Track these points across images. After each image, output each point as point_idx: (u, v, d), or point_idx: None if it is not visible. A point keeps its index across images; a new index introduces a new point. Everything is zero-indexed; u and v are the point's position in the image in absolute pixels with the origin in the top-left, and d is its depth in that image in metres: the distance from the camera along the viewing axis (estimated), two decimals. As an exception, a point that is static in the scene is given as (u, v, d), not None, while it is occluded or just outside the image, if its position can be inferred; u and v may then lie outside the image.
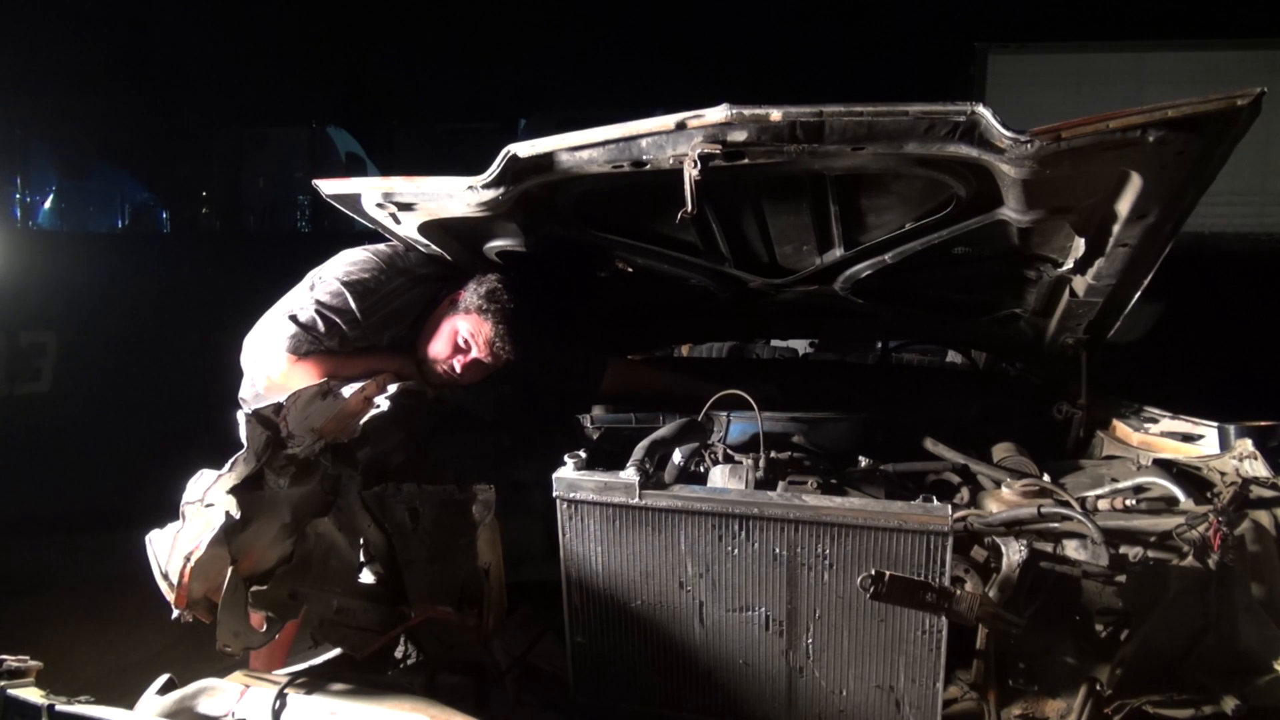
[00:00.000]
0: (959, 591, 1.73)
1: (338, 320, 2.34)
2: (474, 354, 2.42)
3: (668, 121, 1.77)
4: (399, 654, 2.27)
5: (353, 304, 2.36)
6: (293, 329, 2.31)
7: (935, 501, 1.80)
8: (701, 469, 2.11)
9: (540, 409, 2.74)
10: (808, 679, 1.94)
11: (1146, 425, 2.42)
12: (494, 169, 1.98)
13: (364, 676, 1.98)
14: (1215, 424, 2.24)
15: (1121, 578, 1.82)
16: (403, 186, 2.15)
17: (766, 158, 1.81)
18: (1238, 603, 1.82)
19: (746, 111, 1.73)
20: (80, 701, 1.61)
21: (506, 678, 2.28)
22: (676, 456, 2.12)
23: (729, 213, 2.22)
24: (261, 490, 1.91)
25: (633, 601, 2.02)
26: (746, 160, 1.81)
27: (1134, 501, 1.92)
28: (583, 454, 2.03)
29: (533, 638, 2.38)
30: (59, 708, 1.60)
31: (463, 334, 2.42)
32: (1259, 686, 1.80)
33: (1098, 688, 1.82)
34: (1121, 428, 2.46)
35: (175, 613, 1.81)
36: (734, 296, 2.62)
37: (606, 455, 2.14)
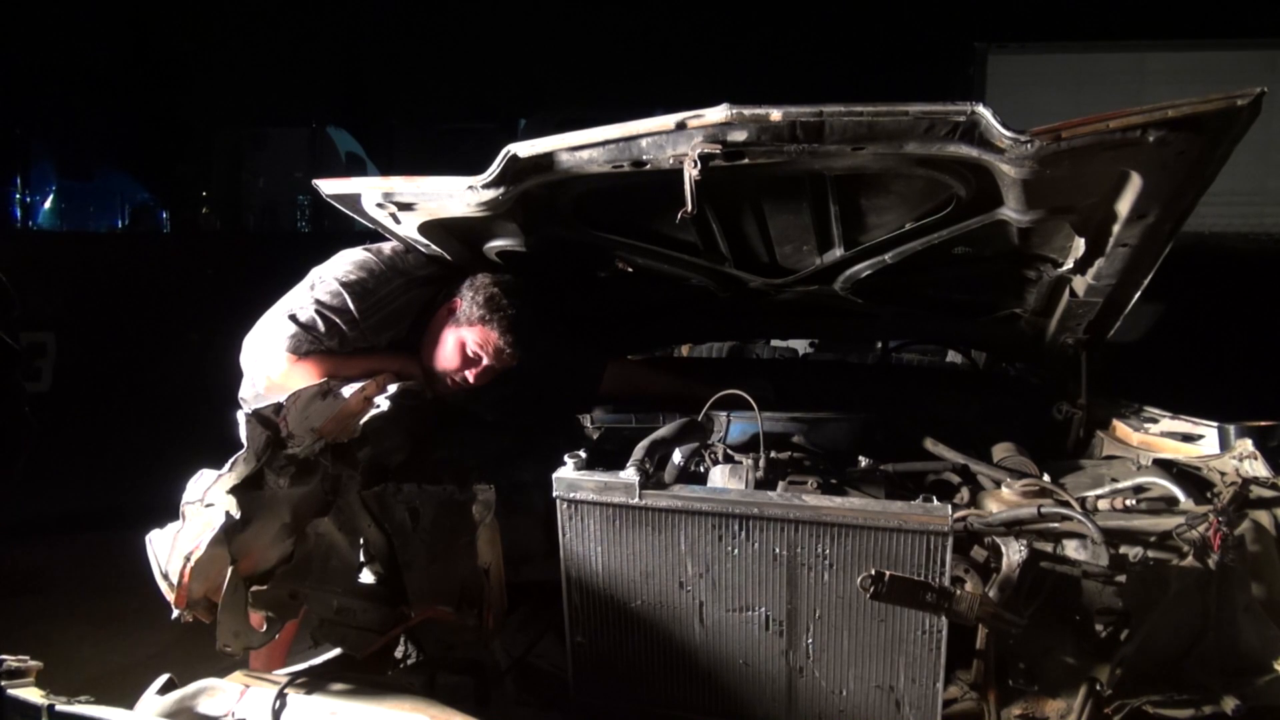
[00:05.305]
0: (959, 591, 1.73)
1: (337, 320, 2.34)
2: (485, 363, 2.43)
3: (668, 121, 1.77)
4: (399, 654, 2.27)
5: (351, 305, 2.36)
6: (293, 329, 2.31)
7: (935, 501, 1.80)
8: (701, 469, 2.11)
9: (540, 409, 2.74)
10: (808, 679, 1.94)
11: (1146, 425, 2.41)
12: (494, 169, 1.98)
13: (364, 676, 1.98)
14: (1215, 424, 2.24)
15: (1121, 578, 1.82)
16: (403, 186, 2.14)
17: (766, 158, 1.81)
18: (1238, 603, 1.82)
19: (746, 111, 1.73)
20: (80, 701, 1.61)
21: (506, 678, 2.28)
22: (676, 456, 2.12)
23: (729, 213, 2.22)
24: (261, 490, 1.91)
25: (633, 601, 2.02)
26: (746, 160, 1.81)
27: (1134, 501, 1.92)
28: (583, 454, 2.03)
29: (533, 638, 2.38)
30: (59, 708, 1.60)
31: (471, 347, 2.42)
32: (1259, 686, 1.80)
33: (1098, 688, 1.83)
34: (1121, 428, 2.46)
35: (175, 613, 1.81)
36: (734, 296, 2.62)
37: (606, 455, 2.14)
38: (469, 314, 2.41)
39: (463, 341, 2.42)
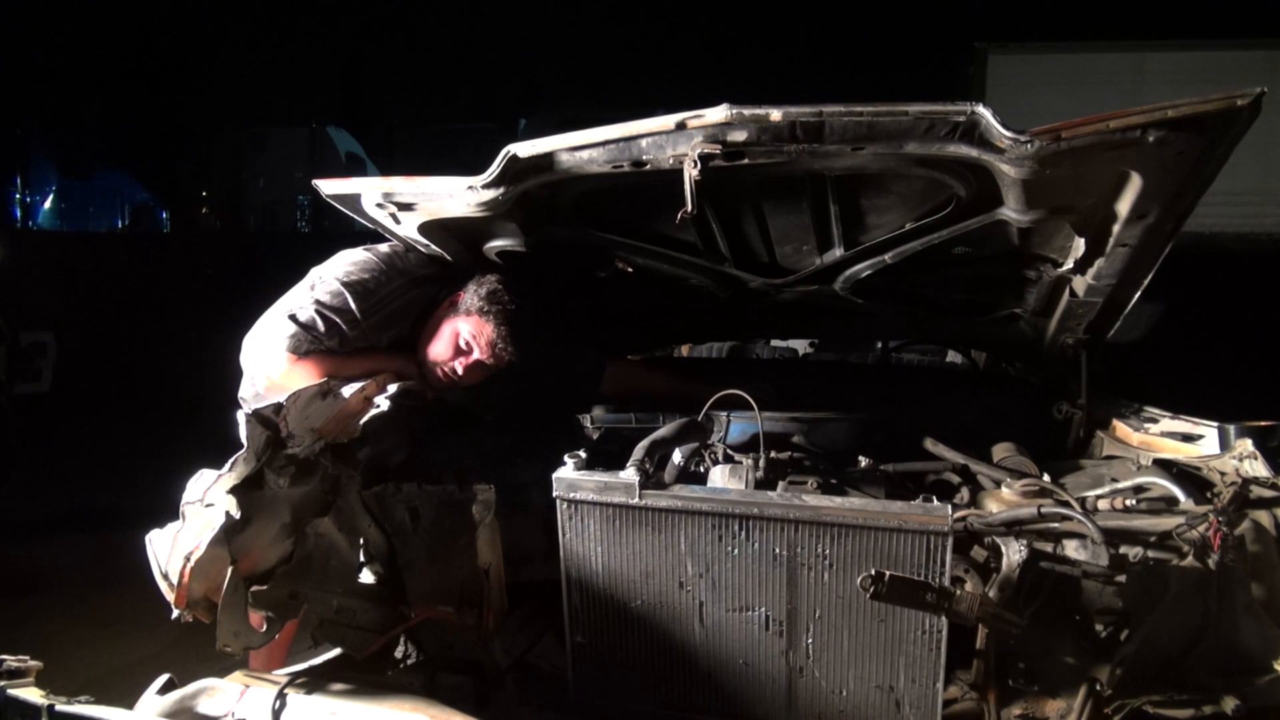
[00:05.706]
0: (959, 591, 1.73)
1: (337, 320, 2.34)
2: (476, 355, 2.42)
3: (668, 121, 1.77)
4: (399, 654, 2.27)
5: (352, 304, 2.36)
6: (293, 329, 2.31)
7: (935, 501, 1.80)
8: (701, 469, 2.11)
9: (540, 409, 2.74)
10: (808, 679, 1.94)
11: (1146, 425, 2.41)
12: (494, 169, 1.98)
13: (364, 676, 1.98)
14: (1215, 424, 2.24)
15: (1121, 578, 1.82)
16: (403, 186, 2.15)
17: (766, 158, 1.81)
18: (1238, 603, 1.82)
19: (746, 111, 1.73)
20: (80, 701, 1.61)
21: (506, 678, 2.28)
22: (676, 456, 2.12)
23: (729, 213, 2.22)
24: (261, 490, 1.91)
25: (633, 601, 2.02)
26: (746, 160, 1.81)
27: (1134, 501, 1.92)
28: (583, 454, 2.03)
29: (533, 638, 2.38)
30: (59, 708, 1.59)
31: (464, 336, 2.41)
32: (1259, 686, 1.80)
33: (1098, 688, 1.82)
34: (1121, 428, 2.46)
35: (175, 613, 1.80)
36: (734, 296, 2.62)
37: (606, 455, 2.13)
38: (469, 305, 2.42)
39: (457, 331, 2.42)
